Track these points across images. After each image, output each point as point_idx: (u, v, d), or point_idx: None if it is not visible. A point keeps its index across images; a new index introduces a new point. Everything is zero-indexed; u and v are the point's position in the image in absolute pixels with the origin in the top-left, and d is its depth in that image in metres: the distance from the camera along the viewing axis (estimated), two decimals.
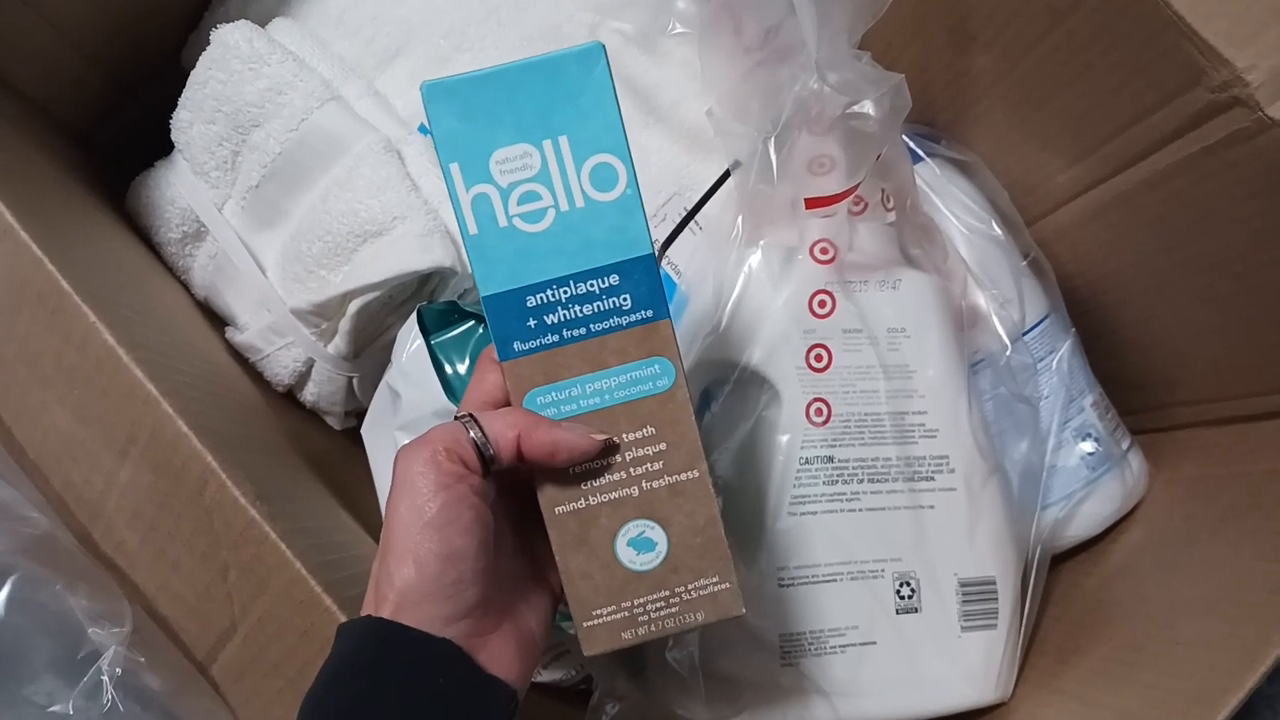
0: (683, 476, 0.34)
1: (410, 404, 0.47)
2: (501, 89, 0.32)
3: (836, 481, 0.46)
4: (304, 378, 0.55)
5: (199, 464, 0.39)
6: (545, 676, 0.54)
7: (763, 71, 0.46)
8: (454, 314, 0.50)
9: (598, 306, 0.33)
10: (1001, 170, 0.54)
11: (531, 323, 0.33)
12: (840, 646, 0.46)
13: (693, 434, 0.34)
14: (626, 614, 0.34)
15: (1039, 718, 0.47)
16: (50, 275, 0.39)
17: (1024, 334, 0.52)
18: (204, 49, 0.50)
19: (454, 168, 0.32)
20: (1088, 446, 0.52)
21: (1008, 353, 0.50)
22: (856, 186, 0.46)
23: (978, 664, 0.47)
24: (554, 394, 0.33)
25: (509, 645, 0.33)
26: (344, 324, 0.50)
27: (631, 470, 0.34)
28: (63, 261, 0.39)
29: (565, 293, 0.33)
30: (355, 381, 0.55)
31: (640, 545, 0.34)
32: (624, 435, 0.34)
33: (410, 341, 0.48)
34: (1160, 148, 0.45)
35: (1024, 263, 0.53)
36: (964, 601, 0.47)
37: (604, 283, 0.33)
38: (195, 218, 0.53)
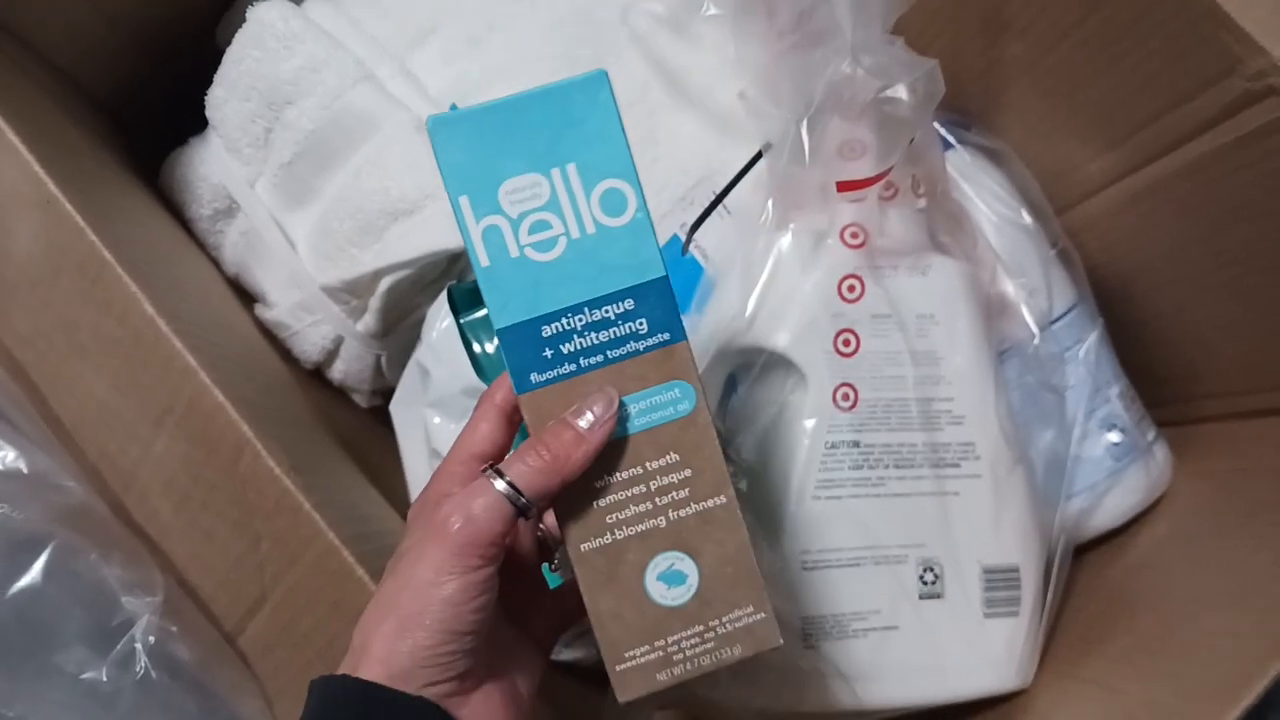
0: (710, 503, 0.33)
1: (440, 381, 0.48)
2: (507, 119, 0.31)
3: (862, 466, 0.46)
4: (332, 355, 0.55)
5: (235, 434, 0.39)
6: (566, 655, 0.54)
7: (796, 54, 0.46)
8: None
9: (614, 332, 0.33)
10: (1032, 159, 0.54)
11: (548, 353, 0.32)
12: (862, 630, 0.46)
13: (717, 459, 0.33)
14: (660, 654, 0.33)
15: (1061, 705, 0.47)
16: (92, 245, 0.39)
17: (1051, 323, 0.52)
18: (239, 27, 0.50)
19: (463, 200, 0.32)
20: (1113, 437, 0.52)
21: (1035, 341, 0.50)
22: (888, 172, 0.46)
23: (999, 651, 0.47)
24: None
25: (492, 700, 0.33)
26: (374, 302, 0.50)
27: (658, 500, 0.33)
28: (104, 232, 0.40)
29: (581, 320, 0.32)
30: (383, 359, 0.55)
31: (671, 579, 0.33)
32: (648, 463, 0.33)
33: (440, 319, 0.48)
34: (1194, 137, 0.45)
35: (1053, 252, 0.53)
36: (987, 588, 0.47)
37: (619, 307, 0.32)
38: (227, 194, 0.53)
